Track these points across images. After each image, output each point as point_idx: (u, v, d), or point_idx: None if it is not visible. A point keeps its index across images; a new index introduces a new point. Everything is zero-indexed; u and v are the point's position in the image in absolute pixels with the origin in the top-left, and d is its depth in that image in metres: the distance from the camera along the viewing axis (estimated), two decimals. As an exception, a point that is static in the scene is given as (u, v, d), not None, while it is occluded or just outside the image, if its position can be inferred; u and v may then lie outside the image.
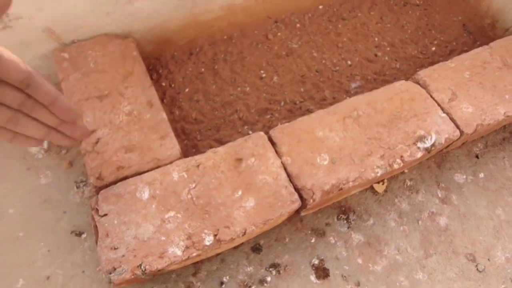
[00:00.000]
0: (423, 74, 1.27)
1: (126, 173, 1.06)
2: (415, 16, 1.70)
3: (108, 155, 1.09)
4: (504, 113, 1.20)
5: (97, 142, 1.12)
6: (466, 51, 1.61)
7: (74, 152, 1.32)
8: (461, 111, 1.19)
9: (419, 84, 1.26)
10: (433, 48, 1.60)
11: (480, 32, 1.63)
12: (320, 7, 1.70)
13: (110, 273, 0.90)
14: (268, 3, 1.55)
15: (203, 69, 1.50)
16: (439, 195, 1.25)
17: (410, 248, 1.17)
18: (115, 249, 0.93)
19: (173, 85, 1.45)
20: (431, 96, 1.22)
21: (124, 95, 1.21)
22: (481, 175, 1.30)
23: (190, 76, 1.48)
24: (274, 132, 1.13)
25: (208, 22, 1.50)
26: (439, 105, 1.20)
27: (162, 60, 1.52)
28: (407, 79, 1.53)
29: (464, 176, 1.29)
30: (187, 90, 1.44)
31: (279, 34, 1.60)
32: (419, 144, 1.11)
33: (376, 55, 1.56)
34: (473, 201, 1.24)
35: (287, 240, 1.18)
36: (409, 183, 1.27)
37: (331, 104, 1.43)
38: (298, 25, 1.63)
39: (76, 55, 1.28)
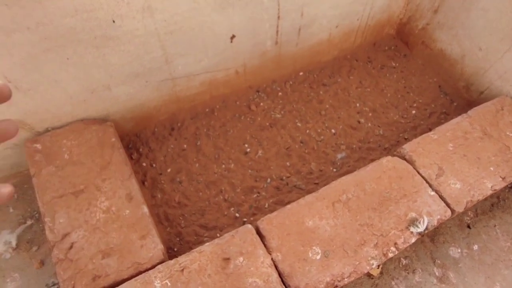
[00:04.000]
0: (409, 148, 1.27)
1: (103, 284, 0.97)
2: (393, 79, 1.74)
3: (83, 263, 1.00)
4: (491, 186, 1.19)
5: (71, 248, 1.03)
6: (445, 113, 1.65)
7: (46, 248, 1.22)
8: (450, 188, 1.18)
9: (405, 159, 1.25)
10: (413, 112, 1.63)
11: (456, 94, 1.68)
12: (301, 73, 1.72)
13: None
14: (248, 73, 1.56)
15: (185, 146, 1.45)
16: (436, 274, 1.20)
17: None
18: None
19: (154, 165, 1.40)
20: (419, 173, 1.21)
21: (101, 189, 1.14)
22: (475, 247, 1.27)
23: (172, 154, 1.43)
24: (262, 224, 1.08)
25: (190, 97, 1.48)
26: (427, 182, 1.19)
27: (142, 137, 1.47)
28: (391, 145, 1.53)
29: (459, 250, 1.26)
30: (169, 170, 1.39)
31: (261, 104, 1.59)
32: (412, 229, 1.08)
33: (359, 121, 1.57)
34: (471, 278, 1.20)
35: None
36: (404, 262, 1.23)
37: (318, 177, 1.41)
38: (280, 93, 1.64)
39: (50, 145, 1.22)
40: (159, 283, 0.96)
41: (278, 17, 1.37)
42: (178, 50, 1.25)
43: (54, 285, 1.14)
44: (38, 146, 1.21)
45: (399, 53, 1.86)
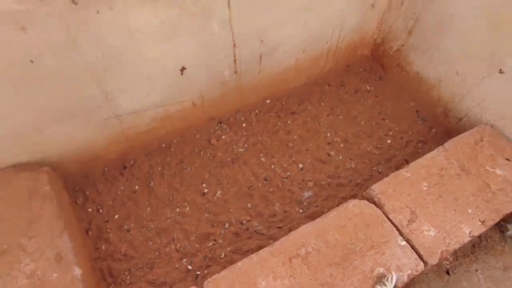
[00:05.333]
0: (378, 189, 1.14)
1: None
2: (367, 105, 1.63)
3: None
4: (470, 232, 1.07)
5: (-18, 325, 0.88)
6: (423, 141, 1.54)
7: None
8: (423, 236, 1.05)
9: (374, 202, 1.13)
10: (389, 141, 1.51)
11: (434, 120, 1.56)
12: (267, 101, 1.60)
13: None
14: (208, 105, 1.43)
15: (137, 187, 1.32)
16: (412, 333, 1.07)
17: None
18: None
19: (101, 211, 1.26)
20: (388, 218, 1.08)
21: (26, 249, 1.00)
22: (456, 298, 1.14)
23: (122, 197, 1.29)
24: (208, 286, 0.94)
25: (141, 133, 1.35)
26: (398, 229, 1.06)
27: (90, 178, 1.34)
28: (363, 180, 1.41)
29: (437, 302, 1.13)
30: (117, 216, 1.25)
31: (223, 137, 1.47)
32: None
33: (329, 154, 1.45)
34: (451, 337, 1.06)
35: None
36: (376, 319, 1.09)
37: (281, 220, 1.28)
38: (244, 124, 1.51)
39: (-27, 197, 1.08)
40: None
41: (234, 45, 1.25)
42: (118, 86, 1.12)
43: None
44: (-41, 198, 1.07)
45: (374, 75, 1.75)
